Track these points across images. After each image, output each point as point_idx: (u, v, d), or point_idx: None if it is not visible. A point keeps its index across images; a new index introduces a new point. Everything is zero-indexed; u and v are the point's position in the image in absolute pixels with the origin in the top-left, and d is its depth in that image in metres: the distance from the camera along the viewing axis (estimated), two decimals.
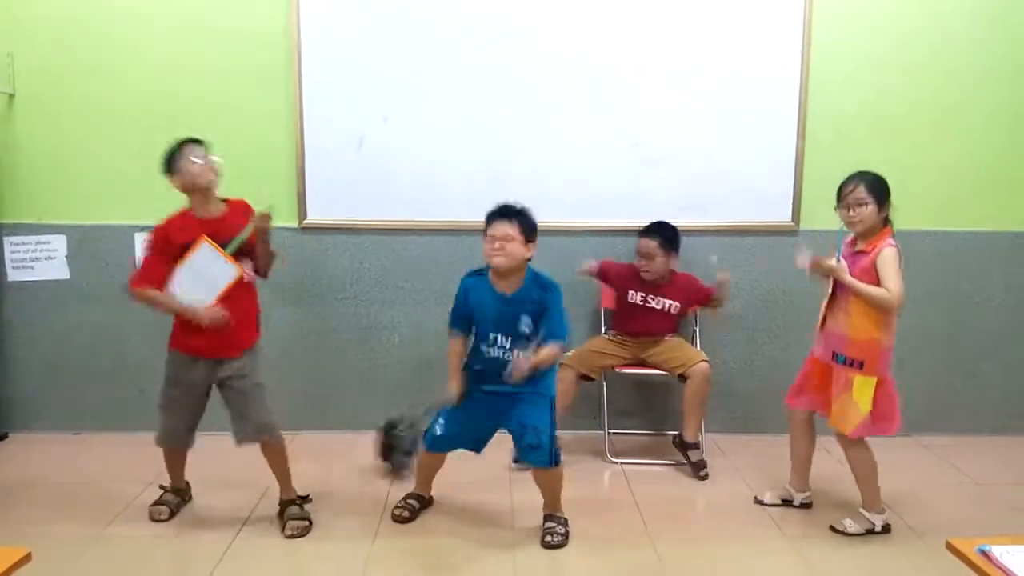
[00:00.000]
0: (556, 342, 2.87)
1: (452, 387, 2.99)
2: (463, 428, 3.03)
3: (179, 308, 2.92)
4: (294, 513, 3.08)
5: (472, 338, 3.02)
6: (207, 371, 3.02)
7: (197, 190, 2.92)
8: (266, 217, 2.95)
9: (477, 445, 3.10)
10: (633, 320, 3.79)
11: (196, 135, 3.84)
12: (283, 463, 3.13)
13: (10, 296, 3.95)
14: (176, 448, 3.16)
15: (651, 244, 3.66)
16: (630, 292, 3.76)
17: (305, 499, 3.17)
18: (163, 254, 2.92)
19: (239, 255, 2.95)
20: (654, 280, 3.71)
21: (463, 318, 3.03)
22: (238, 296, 2.97)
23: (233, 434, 3.05)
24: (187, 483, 3.28)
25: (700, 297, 3.79)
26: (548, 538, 2.97)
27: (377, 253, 3.99)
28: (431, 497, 3.27)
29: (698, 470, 3.63)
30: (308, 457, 3.57)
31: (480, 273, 3.01)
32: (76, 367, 4.01)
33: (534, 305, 2.91)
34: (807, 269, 3.03)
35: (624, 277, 3.78)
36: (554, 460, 2.96)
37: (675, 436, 3.76)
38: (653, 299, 3.74)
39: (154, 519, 3.12)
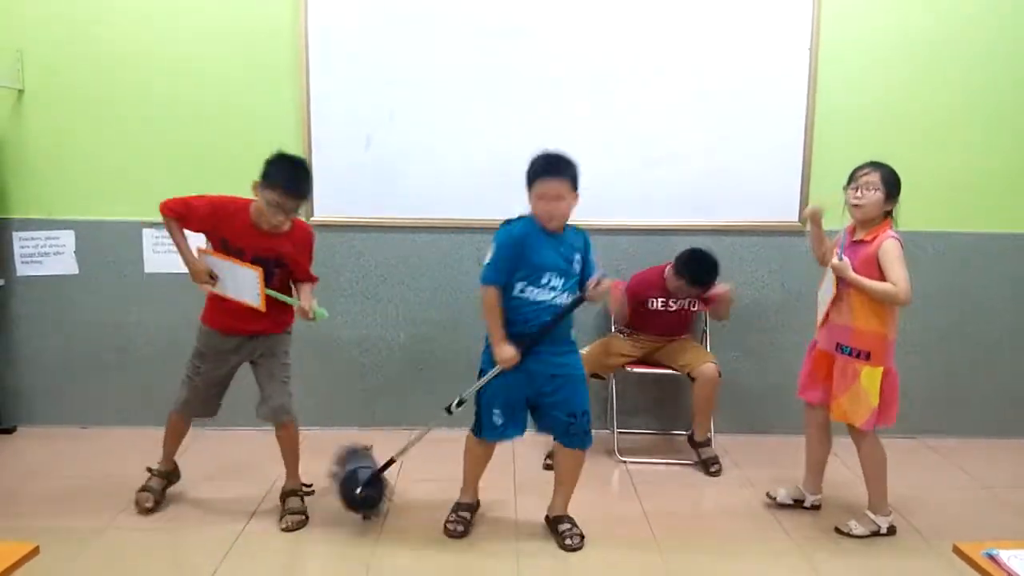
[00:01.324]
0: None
1: (506, 349, 2.83)
2: (516, 411, 2.96)
3: (188, 252, 2.97)
4: (293, 507, 3.11)
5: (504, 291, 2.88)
6: (239, 347, 3.09)
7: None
8: (306, 316, 3.01)
9: (521, 427, 3.02)
10: (653, 322, 3.78)
11: (204, 132, 3.88)
12: (294, 449, 3.18)
13: (19, 290, 3.97)
14: (189, 419, 3.21)
15: (698, 291, 3.65)
16: (650, 300, 3.75)
17: (308, 489, 3.22)
18: (200, 214, 2.95)
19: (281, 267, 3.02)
20: None
21: (510, 268, 2.84)
22: (278, 280, 3.02)
23: (256, 409, 3.13)
24: (175, 465, 3.30)
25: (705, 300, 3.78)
26: (569, 541, 2.95)
27: (383, 251, 4.00)
28: (478, 501, 3.18)
29: (708, 467, 3.66)
30: (312, 454, 3.56)
31: (521, 218, 2.91)
32: (84, 361, 4.03)
33: (578, 246, 2.92)
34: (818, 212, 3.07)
35: (643, 289, 3.74)
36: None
37: (688, 435, 3.82)
38: (674, 302, 3.74)
39: (140, 506, 3.14)
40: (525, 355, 2.84)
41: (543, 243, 2.85)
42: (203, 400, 3.15)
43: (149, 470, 3.25)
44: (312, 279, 3.13)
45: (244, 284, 2.94)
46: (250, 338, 3.08)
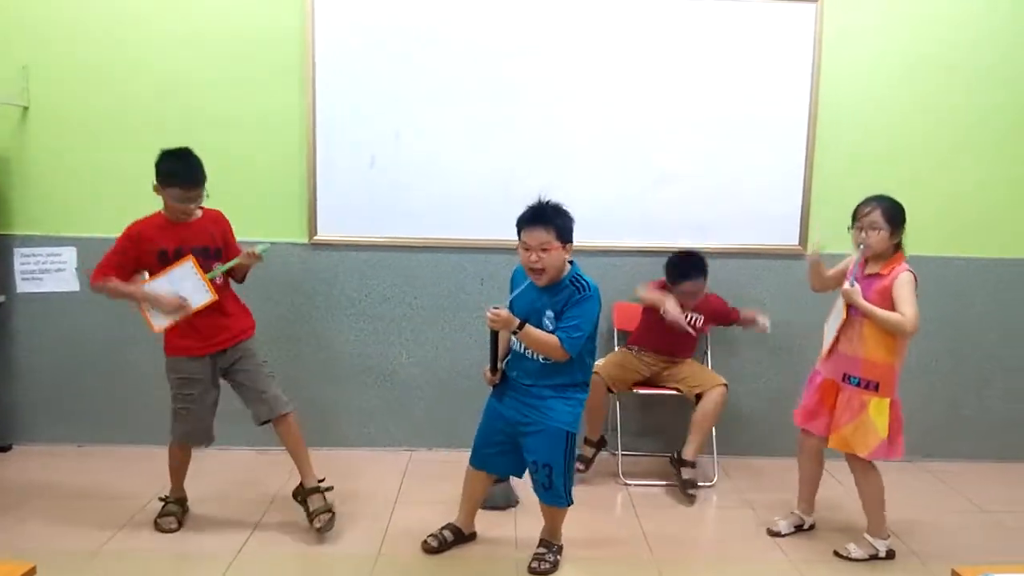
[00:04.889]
0: (559, 341, 2.71)
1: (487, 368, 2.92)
2: (487, 438, 2.97)
3: (140, 293, 3.01)
4: (319, 507, 3.10)
5: None
6: (212, 363, 3.12)
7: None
8: (254, 257, 3.07)
9: (504, 466, 3.02)
10: (662, 336, 3.76)
11: (210, 151, 3.89)
12: (300, 441, 3.17)
13: (19, 307, 3.96)
14: (192, 448, 3.23)
15: (699, 284, 3.69)
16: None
17: (326, 485, 3.19)
18: (128, 253, 3.03)
19: (217, 259, 3.10)
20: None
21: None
22: (224, 292, 3.09)
23: (253, 417, 3.14)
24: (184, 493, 3.31)
25: (722, 317, 3.84)
26: (535, 564, 2.92)
27: (387, 270, 4.00)
28: (473, 533, 3.14)
29: (686, 488, 3.55)
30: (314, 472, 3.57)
31: None
32: (82, 379, 4.01)
33: (562, 303, 2.75)
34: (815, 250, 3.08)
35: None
36: (567, 500, 2.89)
37: (673, 453, 3.72)
38: (688, 313, 3.75)
39: (164, 530, 3.14)
40: (503, 381, 2.91)
41: (525, 291, 2.81)
42: (202, 427, 3.17)
43: (162, 499, 3.25)
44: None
45: (186, 287, 3.01)
46: (219, 353, 3.12)
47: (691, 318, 3.74)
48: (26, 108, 3.83)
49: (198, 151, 3.81)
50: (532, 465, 2.87)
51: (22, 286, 3.92)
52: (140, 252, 3.03)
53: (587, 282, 2.79)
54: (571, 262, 2.84)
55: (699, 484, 3.65)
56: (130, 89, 3.85)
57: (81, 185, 3.90)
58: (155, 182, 3.00)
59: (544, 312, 2.78)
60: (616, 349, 3.95)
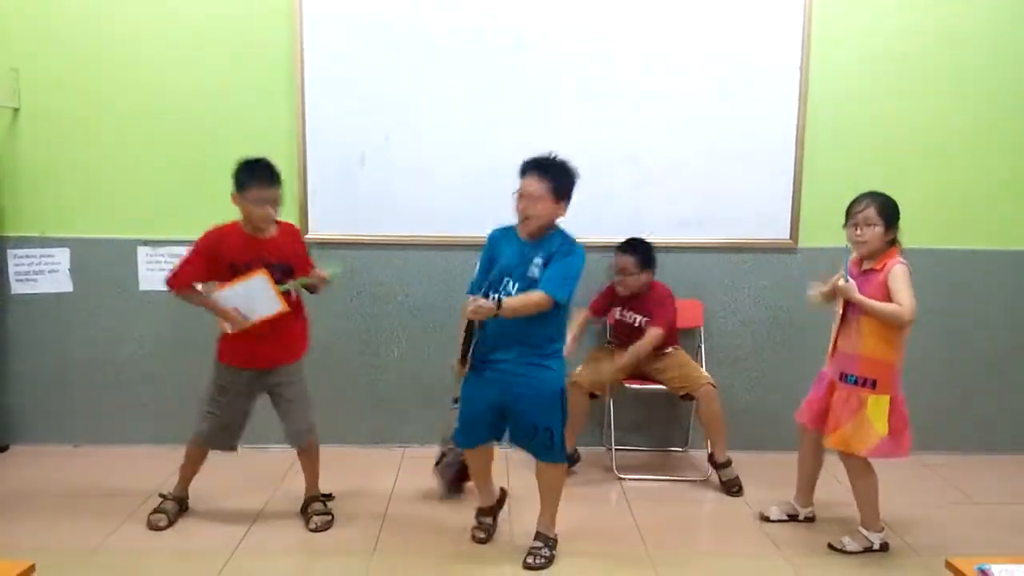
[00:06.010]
0: (543, 292, 2.73)
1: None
2: (475, 414, 2.96)
3: (219, 309, 3.05)
4: (318, 509, 3.21)
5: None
6: (255, 379, 3.17)
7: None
8: (324, 281, 3.09)
9: (495, 432, 3.03)
10: (619, 334, 3.84)
11: (199, 151, 3.90)
12: (314, 465, 3.29)
13: (13, 308, 3.96)
14: (207, 451, 3.26)
15: (628, 260, 3.70)
16: (612, 310, 3.81)
17: (328, 496, 3.30)
18: (204, 260, 3.05)
19: (290, 275, 3.09)
20: (628, 294, 3.73)
21: (484, 272, 2.92)
22: (289, 314, 3.11)
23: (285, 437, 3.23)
24: (187, 493, 3.33)
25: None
26: (531, 559, 2.93)
27: (377, 268, 4.01)
28: (501, 495, 3.20)
29: (729, 488, 3.63)
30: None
31: (509, 227, 2.94)
32: (77, 379, 4.01)
33: (553, 250, 2.80)
34: (817, 295, 3.06)
35: (606, 300, 3.82)
36: (564, 456, 2.96)
37: (709, 455, 3.75)
38: (627, 313, 3.76)
39: (153, 527, 3.17)
40: (472, 362, 2.87)
41: (511, 245, 2.85)
42: (224, 433, 3.21)
43: (162, 496, 3.29)
44: (313, 267, 3.20)
45: (255, 298, 3.02)
46: (265, 371, 3.16)
47: (636, 320, 3.74)
48: (16, 110, 3.83)
49: (187, 153, 3.87)
50: (532, 430, 2.88)
51: (16, 287, 3.94)
52: (214, 263, 3.05)
53: (572, 238, 2.87)
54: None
55: (738, 481, 3.66)
56: (121, 91, 3.85)
57: (73, 186, 3.90)
58: (233, 191, 3.01)
59: (532, 260, 2.82)
60: (599, 346, 3.97)
